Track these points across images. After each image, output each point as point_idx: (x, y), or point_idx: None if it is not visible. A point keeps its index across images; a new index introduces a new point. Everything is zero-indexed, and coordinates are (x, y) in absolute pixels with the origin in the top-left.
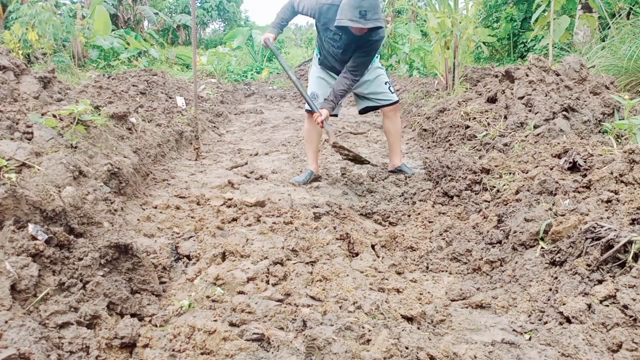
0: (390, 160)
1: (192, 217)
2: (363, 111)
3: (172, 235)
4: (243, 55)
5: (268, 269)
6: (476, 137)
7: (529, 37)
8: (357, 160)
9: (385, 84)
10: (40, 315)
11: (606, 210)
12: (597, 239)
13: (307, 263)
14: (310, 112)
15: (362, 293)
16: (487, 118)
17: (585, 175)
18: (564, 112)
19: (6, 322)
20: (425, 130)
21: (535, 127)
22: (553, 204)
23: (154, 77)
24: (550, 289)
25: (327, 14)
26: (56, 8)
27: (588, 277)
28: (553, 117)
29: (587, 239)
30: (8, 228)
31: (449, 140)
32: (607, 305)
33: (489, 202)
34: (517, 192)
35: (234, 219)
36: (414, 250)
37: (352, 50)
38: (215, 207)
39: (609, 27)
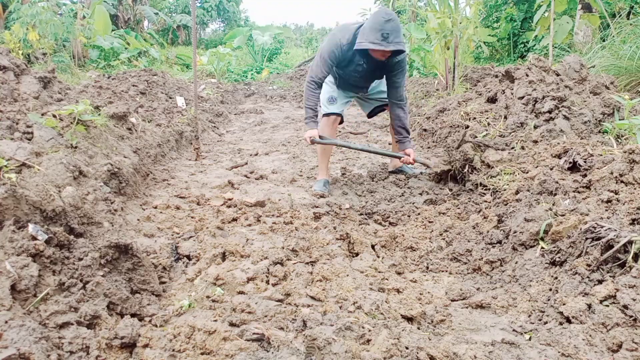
0: (391, 161)
1: (192, 217)
2: (372, 114)
3: (172, 235)
4: (243, 55)
5: (268, 269)
6: (476, 137)
7: (529, 37)
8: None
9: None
10: (40, 315)
11: (606, 210)
12: (597, 239)
13: (307, 263)
14: (332, 114)
15: (362, 293)
16: (487, 118)
17: (585, 175)
18: (556, 105)
19: (6, 322)
20: (425, 130)
21: (536, 127)
22: (553, 204)
23: (154, 77)
24: (550, 289)
25: (349, 51)
26: (57, 8)
27: (588, 277)
28: (552, 117)
29: (587, 239)
30: (8, 228)
31: (449, 140)
32: (607, 305)
33: (489, 202)
34: (517, 192)
35: (234, 219)
36: (414, 250)
37: (374, 76)
38: (215, 207)
39: (609, 27)
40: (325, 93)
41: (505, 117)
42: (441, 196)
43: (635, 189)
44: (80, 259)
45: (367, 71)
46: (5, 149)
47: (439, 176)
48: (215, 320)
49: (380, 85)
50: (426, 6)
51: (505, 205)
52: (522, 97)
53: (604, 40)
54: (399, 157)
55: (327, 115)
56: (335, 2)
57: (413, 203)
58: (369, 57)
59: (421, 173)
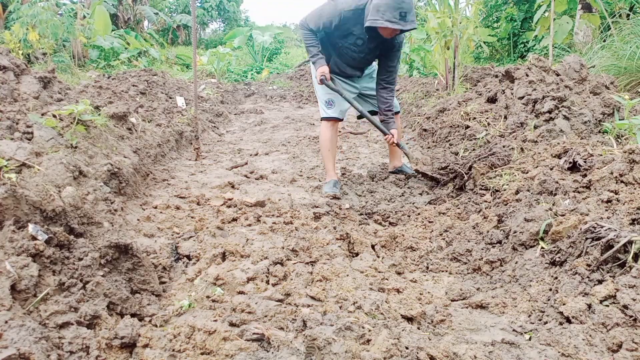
0: (391, 162)
1: (192, 217)
2: (361, 116)
3: (172, 235)
4: (243, 55)
5: (268, 269)
6: (476, 137)
7: (529, 37)
8: (433, 180)
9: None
10: (40, 315)
11: (606, 210)
12: (597, 239)
13: (307, 263)
14: (331, 119)
15: (362, 293)
16: (487, 118)
17: (585, 175)
18: (556, 105)
19: (6, 322)
20: (425, 130)
21: (536, 127)
22: (553, 204)
23: (154, 77)
24: (550, 289)
25: (348, 23)
26: (57, 8)
27: (588, 277)
28: (552, 117)
29: (587, 239)
30: (8, 228)
31: (449, 140)
32: (607, 305)
33: (489, 202)
34: (517, 192)
35: (234, 219)
36: (414, 250)
37: (373, 55)
38: (215, 207)
39: (609, 27)
40: (323, 95)
41: (505, 117)
42: (442, 196)
43: (635, 189)
44: (80, 259)
45: (366, 47)
46: (5, 149)
47: (419, 173)
48: (215, 320)
49: (372, 81)
50: (426, 6)
51: (505, 205)
52: (522, 97)
53: (604, 40)
54: (385, 133)
55: (326, 119)
56: None
57: (413, 203)
58: (373, 33)
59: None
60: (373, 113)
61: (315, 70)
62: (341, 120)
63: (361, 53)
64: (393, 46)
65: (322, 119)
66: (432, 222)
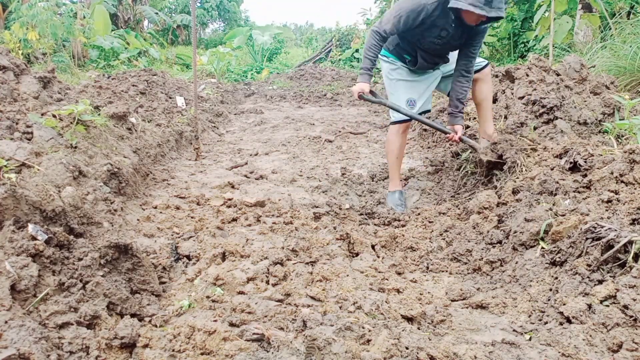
0: (487, 131)
1: (192, 217)
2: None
3: (172, 235)
4: (243, 55)
5: (268, 269)
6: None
7: (529, 37)
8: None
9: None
10: (40, 315)
11: (606, 210)
12: (597, 239)
13: (307, 263)
14: (401, 122)
15: (362, 293)
16: None
17: (585, 175)
18: (557, 105)
19: (6, 322)
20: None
21: (535, 128)
22: (553, 204)
23: (153, 77)
24: (551, 289)
25: (435, 12)
26: (57, 8)
27: (588, 277)
28: (553, 117)
29: (587, 239)
30: (8, 228)
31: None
32: (608, 306)
33: (489, 202)
34: (517, 192)
35: (234, 219)
36: (414, 250)
37: (458, 43)
38: (215, 207)
39: (610, 27)
40: (403, 94)
41: (506, 117)
42: (442, 196)
43: (635, 189)
44: (80, 259)
45: (451, 37)
46: (5, 149)
47: (484, 164)
48: (215, 321)
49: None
50: None
51: (505, 205)
52: (523, 97)
53: (604, 40)
54: (446, 133)
55: (397, 123)
56: (335, 2)
57: (413, 203)
58: (458, 21)
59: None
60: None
61: (357, 85)
62: (409, 122)
63: (446, 45)
64: (477, 33)
65: (393, 123)
66: (432, 222)
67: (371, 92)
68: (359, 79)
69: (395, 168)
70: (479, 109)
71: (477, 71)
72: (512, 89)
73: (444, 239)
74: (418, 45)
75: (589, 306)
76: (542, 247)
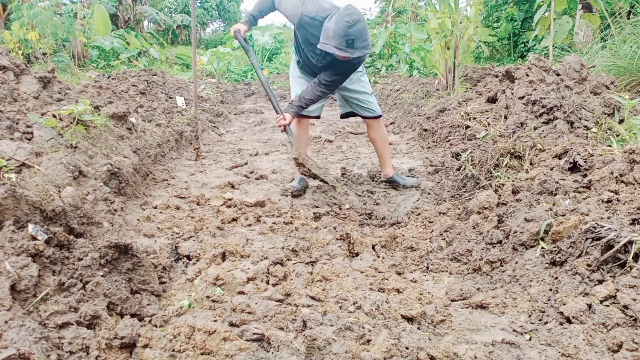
0: (382, 170)
1: (192, 217)
2: (345, 116)
3: (172, 235)
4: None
5: (268, 269)
6: (476, 137)
7: (529, 37)
8: (315, 178)
9: (371, 95)
10: (40, 315)
11: (606, 210)
12: (597, 239)
13: (307, 263)
14: (300, 116)
15: (362, 293)
16: (488, 118)
17: (585, 175)
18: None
19: (6, 322)
20: (425, 130)
21: (535, 128)
22: (553, 204)
23: (153, 77)
24: (551, 289)
25: (308, 28)
26: (57, 8)
27: (588, 277)
28: (552, 117)
29: (587, 239)
30: (8, 228)
31: (449, 140)
32: (608, 306)
33: (489, 202)
34: (517, 192)
35: (234, 219)
36: (414, 250)
37: (331, 67)
38: (215, 207)
39: (610, 27)
40: (293, 79)
41: (506, 117)
42: (442, 196)
43: (635, 189)
44: (80, 259)
45: (326, 60)
46: (5, 149)
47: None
48: (215, 321)
49: (358, 95)
50: (426, 6)
51: (505, 205)
52: (523, 97)
53: (604, 40)
54: (277, 113)
55: (299, 115)
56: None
57: (413, 203)
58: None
59: (412, 186)
60: (351, 114)
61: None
62: (307, 118)
63: (319, 62)
64: (350, 64)
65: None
66: (432, 222)
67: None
68: (240, 21)
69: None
70: (375, 149)
71: (367, 118)
72: (512, 89)
73: (444, 239)
74: (302, 50)
75: (589, 306)
76: (542, 247)
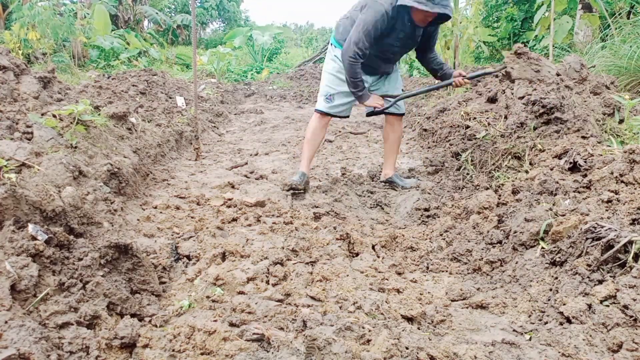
0: (384, 169)
1: (192, 217)
2: (370, 114)
3: (172, 235)
4: (243, 55)
5: (268, 269)
6: (476, 136)
7: (529, 37)
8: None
9: (400, 80)
10: (40, 315)
11: (606, 210)
12: (597, 239)
13: (307, 263)
14: (323, 113)
15: (362, 293)
16: (488, 118)
17: (585, 176)
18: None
19: (6, 322)
20: (425, 130)
21: (535, 128)
22: (553, 204)
23: (154, 77)
24: (551, 289)
25: (394, 15)
26: (57, 7)
27: (588, 277)
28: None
29: (587, 239)
30: (8, 228)
31: (449, 140)
32: (608, 306)
33: (489, 202)
34: (517, 192)
35: (234, 219)
36: (414, 250)
37: (413, 44)
38: (215, 207)
39: (609, 27)
40: (326, 86)
41: (506, 117)
42: (442, 198)
43: (635, 189)
44: (80, 259)
45: (408, 37)
46: (5, 149)
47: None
48: (215, 321)
49: (391, 88)
50: None
51: (505, 205)
52: (523, 97)
53: (604, 40)
54: (451, 84)
55: (321, 113)
56: (335, 2)
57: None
58: (409, 26)
59: (412, 187)
60: (375, 113)
61: (364, 102)
62: (330, 117)
63: (404, 46)
64: (430, 30)
65: (318, 110)
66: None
67: (382, 96)
68: (363, 98)
69: (308, 151)
70: (385, 147)
71: (394, 114)
72: (512, 89)
73: (444, 239)
74: (374, 51)
75: (589, 306)
76: (542, 247)
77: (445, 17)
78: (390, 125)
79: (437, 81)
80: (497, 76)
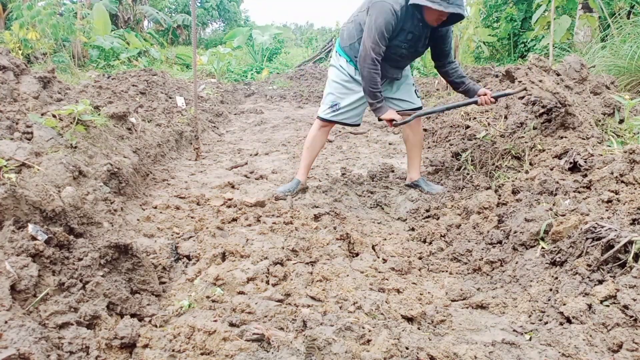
0: (409, 173)
1: (192, 217)
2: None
3: (172, 235)
4: (243, 55)
5: (268, 269)
6: (476, 137)
7: (529, 37)
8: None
9: (414, 87)
10: (40, 315)
11: (606, 210)
12: (597, 239)
13: (307, 263)
14: (326, 121)
15: (362, 293)
16: (488, 118)
17: (585, 176)
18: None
19: (6, 322)
20: (425, 130)
21: (535, 128)
22: (553, 204)
23: (153, 77)
24: (551, 289)
25: (404, 15)
26: (57, 7)
27: (588, 277)
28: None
29: (587, 239)
30: (8, 228)
31: (449, 140)
32: (608, 306)
33: (489, 202)
34: (517, 192)
35: (234, 219)
36: (414, 250)
37: (420, 49)
38: (215, 207)
39: (610, 27)
40: (330, 94)
41: (506, 117)
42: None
43: (635, 189)
44: (80, 259)
45: (417, 39)
46: (5, 149)
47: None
48: (215, 321)
49: (402, 89)
50: None
51: (505, 205)
52: (523, 97)
53: (604, 40)
54: (475, 102)
55: (322, 120)
56: (335, 2)
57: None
58: (423, 22)
59: (437, 193)
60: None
61: (381, 116)
62: (332, 124)
63: (411, 48)
64: (441, 36)
65: (320, 118)
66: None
67: (400, 113)
68: (380, 111)
69: (307, 159)
70: (407, 150)
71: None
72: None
73: (444, 239)
74: (385, 56)
75: (589, 306)
76: (542, 247)
77: (458, 17)
78: (409, 125)
79: (460, 96)
80: (521, 98)
